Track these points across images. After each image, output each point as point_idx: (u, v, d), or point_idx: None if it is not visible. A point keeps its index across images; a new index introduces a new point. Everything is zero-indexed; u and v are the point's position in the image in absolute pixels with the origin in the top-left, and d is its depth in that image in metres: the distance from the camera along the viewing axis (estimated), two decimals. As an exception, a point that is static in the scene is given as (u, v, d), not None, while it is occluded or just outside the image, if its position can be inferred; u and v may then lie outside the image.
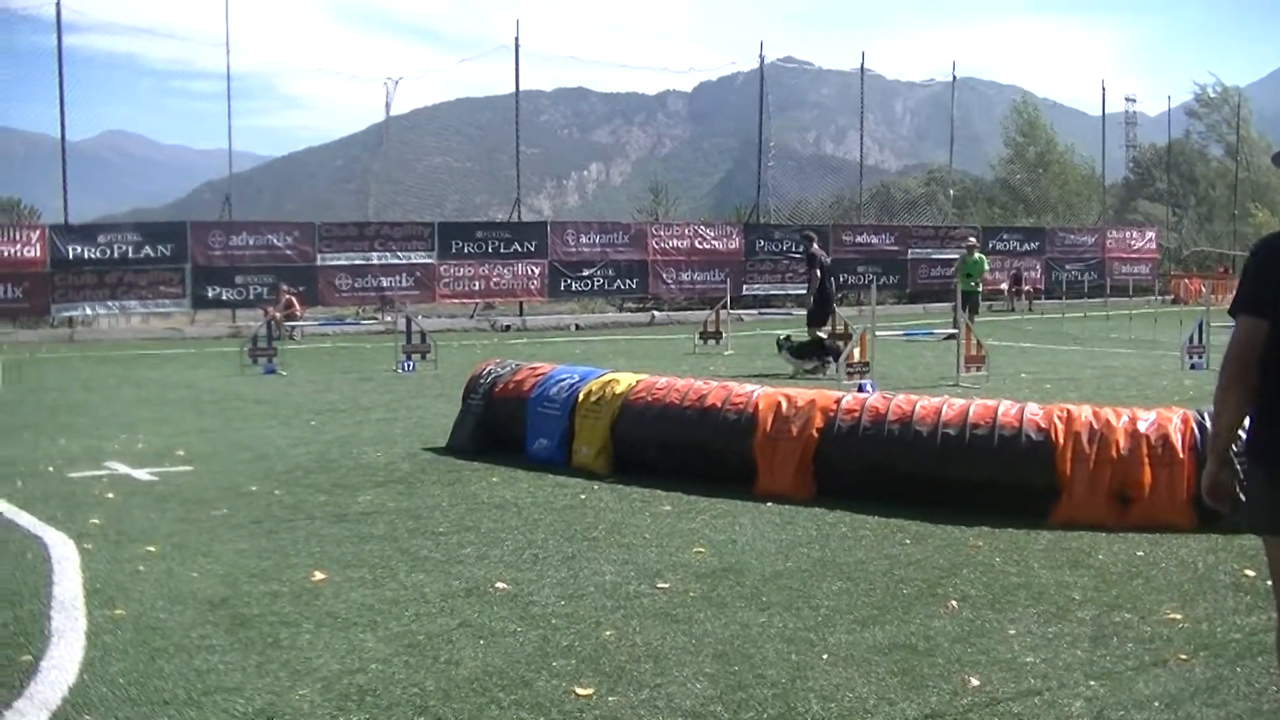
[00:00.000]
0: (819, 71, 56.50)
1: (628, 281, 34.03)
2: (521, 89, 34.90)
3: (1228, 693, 4.31)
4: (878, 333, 15.50)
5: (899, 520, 7.18)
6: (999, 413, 7.47)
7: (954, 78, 43.16)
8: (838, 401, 8.08)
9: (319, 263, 29.91)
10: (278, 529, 7.16)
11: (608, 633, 5.05)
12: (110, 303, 27.95)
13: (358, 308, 31.97)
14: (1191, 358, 16.89)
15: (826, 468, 7.90)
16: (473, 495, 8.21)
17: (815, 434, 7.92)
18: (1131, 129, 57.37)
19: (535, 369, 10.13)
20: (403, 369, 18.02)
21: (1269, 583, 3.68)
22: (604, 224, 36.03)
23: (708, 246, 35.03)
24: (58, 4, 28.20)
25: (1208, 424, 6.97)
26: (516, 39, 33.80)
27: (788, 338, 17.40)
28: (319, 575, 6.02)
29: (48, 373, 18.45)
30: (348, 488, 8.47)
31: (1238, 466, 3.45)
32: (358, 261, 30.41)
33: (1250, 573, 5.92)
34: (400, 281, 30.78)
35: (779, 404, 8.19)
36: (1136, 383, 15.08)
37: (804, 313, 20.32)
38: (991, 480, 7.34)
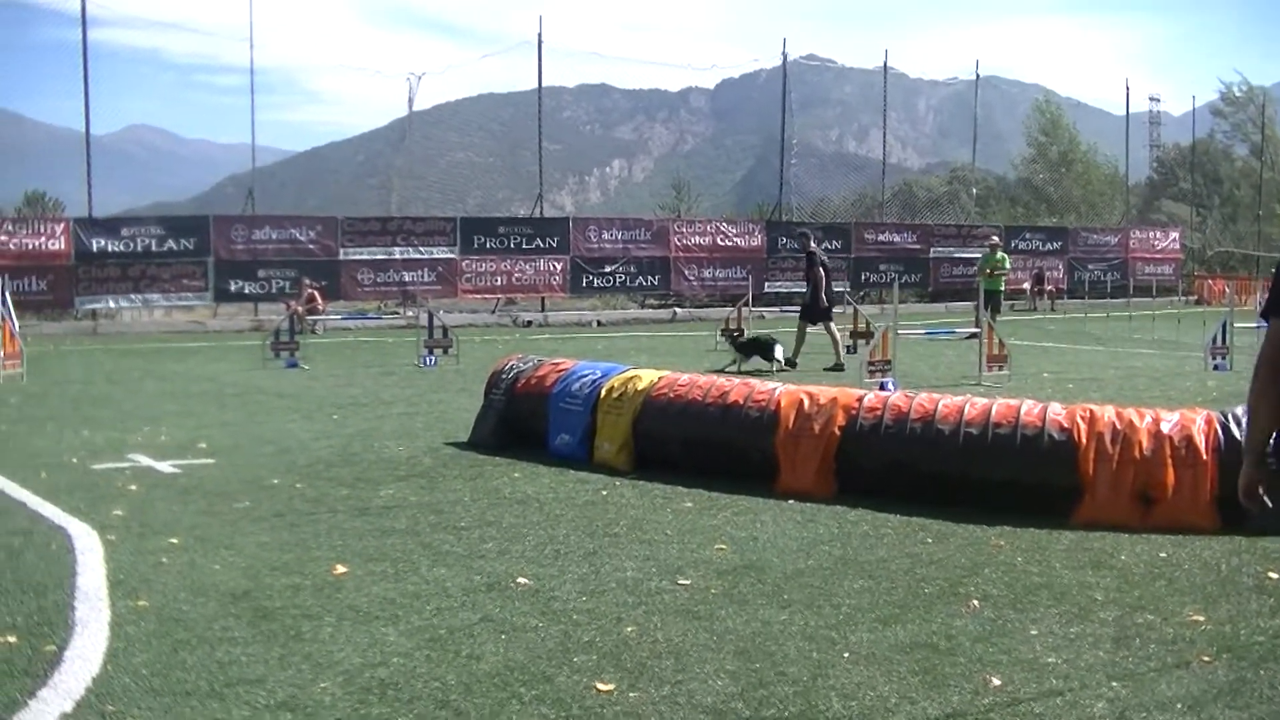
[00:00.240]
0: (841, 69, 56.22)
1: (649, 278, 34.02)
2: (544, 85, 34.83)
3: (1250, 695, 4.28)
4: (899, 331, 15.46)
5: (921, 519, 7.16)
6: (1022, 412, 7.44)
7: (977, 76, 43.14)
8: (860, 400, 8.07)
9: (341, 257, 30.04)
10: (300, 522, 7.19)
11: (629, 629, 5.05)
12: (133, 296, 28.12)
13: (379, 302, 32.09)
14: (1215, 359, 16.79)
15: (848, 466, 7.88)
16: (494, 490, 8.22)
17: (837, 432, 7.90)
18: (1155, 128, 56.96)
19: (557, 365, 10.12)
20: (424, 364, 18.07)
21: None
22: (626, 220, 36.04)
23: (730, 244, 35.02)
24: (83, -1, 28.36)
25: (1232, 425, 6.94)
26: (539, 35, 33.82)
27: (741, 332, 17.70)
28: (341, 569, 6.04)
29: (72, 365, 18.59)
30: (369, 481, 8.50)
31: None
32: (380, 256, 30.51)
33: (1274, 575, 5.88)
34: (422, 276, 30.89)
35: (801, 402, 8.17)
36: (1159, 383, 15.00)
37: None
38: (1014, 480, 7.30)
